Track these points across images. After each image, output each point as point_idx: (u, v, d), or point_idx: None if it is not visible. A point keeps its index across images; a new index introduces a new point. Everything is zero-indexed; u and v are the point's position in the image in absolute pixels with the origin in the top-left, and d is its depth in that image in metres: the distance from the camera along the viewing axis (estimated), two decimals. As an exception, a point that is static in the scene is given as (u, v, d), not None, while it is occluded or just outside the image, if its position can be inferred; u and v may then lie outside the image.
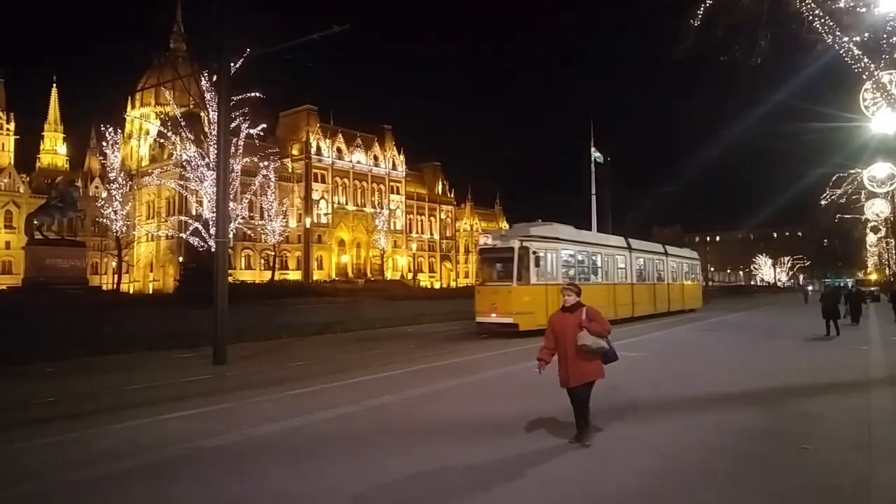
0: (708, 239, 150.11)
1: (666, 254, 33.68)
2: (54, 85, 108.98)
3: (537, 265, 21.00)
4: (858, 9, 10.62)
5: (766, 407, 8.92)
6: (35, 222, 30.37)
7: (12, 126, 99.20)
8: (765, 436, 7.28)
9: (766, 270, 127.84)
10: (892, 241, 59.12)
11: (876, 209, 36.46)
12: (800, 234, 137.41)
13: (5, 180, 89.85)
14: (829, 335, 19.19)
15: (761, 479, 5.71)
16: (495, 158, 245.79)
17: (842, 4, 10.55)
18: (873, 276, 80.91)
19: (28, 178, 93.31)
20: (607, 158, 47.28)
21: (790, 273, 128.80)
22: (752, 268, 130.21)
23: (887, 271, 68.32)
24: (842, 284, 48.53)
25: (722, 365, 13.58)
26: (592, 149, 51.68)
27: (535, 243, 21.08)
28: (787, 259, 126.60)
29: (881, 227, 51.44)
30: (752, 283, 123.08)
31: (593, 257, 25.15)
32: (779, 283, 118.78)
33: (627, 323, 25.26)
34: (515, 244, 20.69)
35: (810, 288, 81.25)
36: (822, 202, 32.73)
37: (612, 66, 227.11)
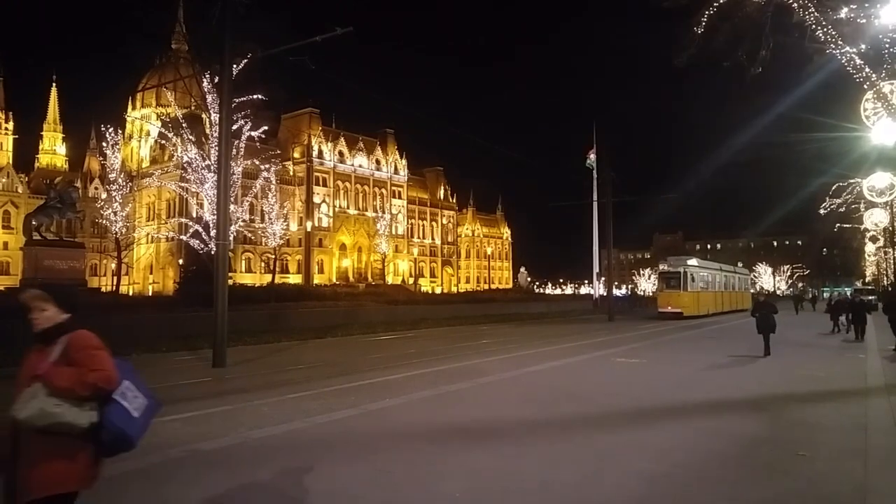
0: (709, 247, 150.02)
1: (734, 272, 51.92)
2: (54, 84, 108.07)
3: (692, 280, 37.48)
4: (859, 20, 10.65)
5: (765, 413, 8.95)
6: (33, 223, 30.18)
7: (11, 125, 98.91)
8: (762, 442, 7.31)
9: (766, 279, 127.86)
10: (889, 250, 59.11)
11: (875, 219, 36.65)
12: (799, 242, 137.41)
13: (4, 180, 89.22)
14: (768, 354, 16.00)
15: (758, 486, 5.73)
16: (498, 164, 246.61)
17: (843, 15, 10.58)
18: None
19: (27, 179, 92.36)
20: (592, 166, 51.28)
21: (790, 282, 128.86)
22: (751, 276, 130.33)
23: (885, 280, 68.28)
24: (767, 293, 49.21)
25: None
26: (591, 155, 53.20)
27: (689, 268, 37.78)
28: (786, 268, 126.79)
29: (879, 236, 51.52)
30: (753, 291, 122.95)
31: (709, 275, 42.01)
32: (778, 292, 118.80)
33: (721, 315, 41.15)
34: (681, 269, 37.34)
35: (808, 296, 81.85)
36: (822, 211, 32.84)
37: (615, 73, 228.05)
